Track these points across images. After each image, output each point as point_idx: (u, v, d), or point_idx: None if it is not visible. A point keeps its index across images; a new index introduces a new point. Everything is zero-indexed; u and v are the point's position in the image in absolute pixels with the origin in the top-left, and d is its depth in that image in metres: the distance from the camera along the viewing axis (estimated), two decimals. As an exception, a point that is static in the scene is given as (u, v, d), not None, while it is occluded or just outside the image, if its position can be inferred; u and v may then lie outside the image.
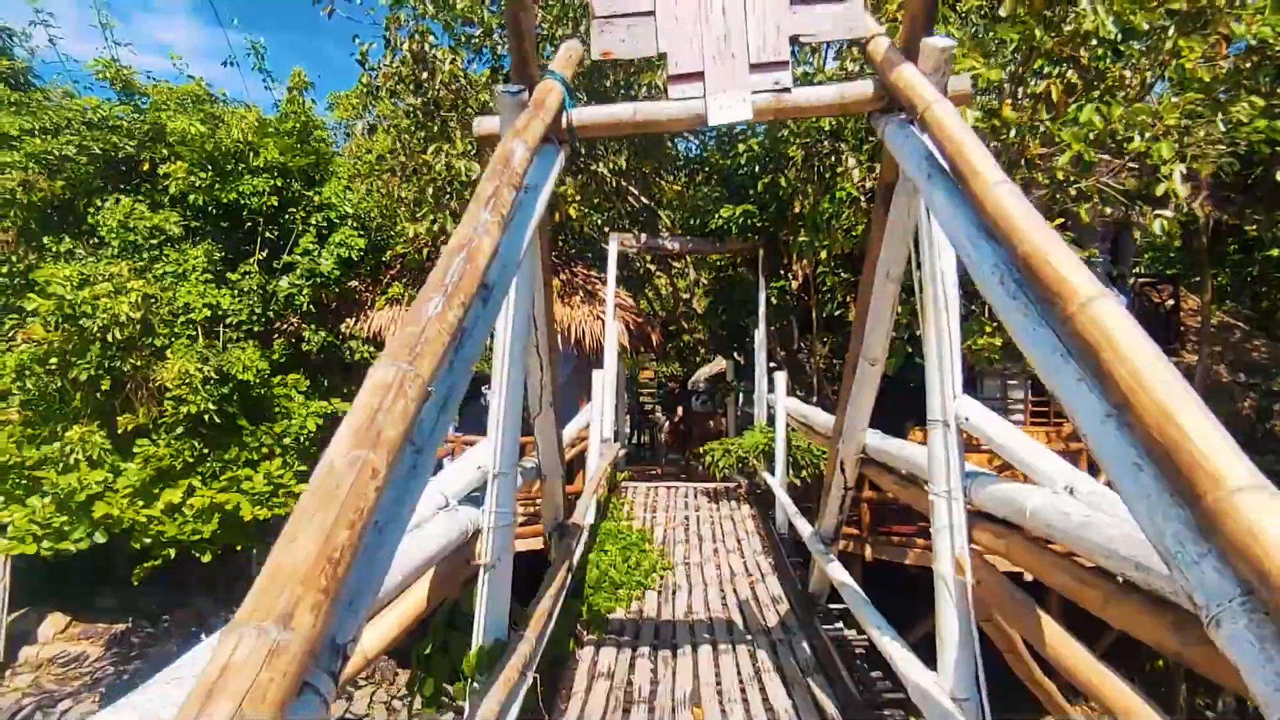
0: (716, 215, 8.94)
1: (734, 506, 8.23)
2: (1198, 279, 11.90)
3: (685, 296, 13.71)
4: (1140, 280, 13.35)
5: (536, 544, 5.77)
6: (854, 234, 7.91)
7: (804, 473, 7.72)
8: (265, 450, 8.68)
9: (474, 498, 3.11)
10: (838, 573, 4.24)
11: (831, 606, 4.98)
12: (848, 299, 12.93)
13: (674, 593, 5.75)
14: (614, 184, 10.43)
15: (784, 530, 7.40)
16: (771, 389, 8.58)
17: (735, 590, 5.76)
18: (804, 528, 5.09)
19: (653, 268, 13.60)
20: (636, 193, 10.77)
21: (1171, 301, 13.07)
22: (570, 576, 4.41)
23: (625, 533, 6.92)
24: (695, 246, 9.46)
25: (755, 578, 6.01)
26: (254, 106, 9.88)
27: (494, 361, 3.14)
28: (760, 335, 9.29)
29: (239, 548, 8.63)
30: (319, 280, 9.21)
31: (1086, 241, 8.57)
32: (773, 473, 7.69)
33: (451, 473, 3.19)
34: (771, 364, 10.16)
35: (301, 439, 8.80)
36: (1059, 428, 12.03)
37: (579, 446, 8.11)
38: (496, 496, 3.00)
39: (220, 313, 8.81)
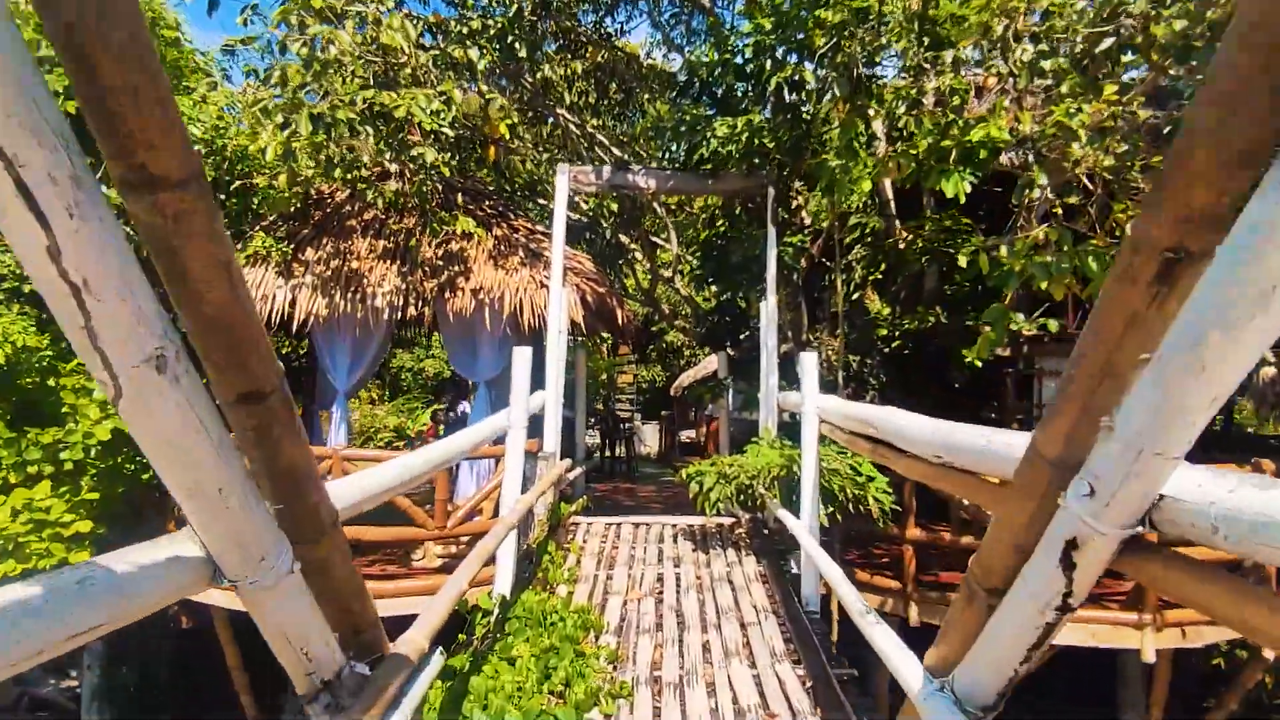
0: (708, 136, 6.21)
1: (732, 559, 5.47)
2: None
3: (666, 274, 10.96)
4: None
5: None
6: (908, 163, 5.25)
7: (835, 508, 4.99)
8: (34, 469, 5.79)
9: None
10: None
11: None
12: (876, 272, 10.27)
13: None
14: (565, 101, 7.68)
15: (813, 604, 4.64)
16: (791, 382, 5.86)
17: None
18: (897, 656, 2.30)
19: (626, 241, 10.84)
20: (593, 123, 8.03)
21: None
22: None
23: (555, 613, 4.13)
24: (678, 184, 6.75)
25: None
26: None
27: None
28: (769, 309, 6.54)
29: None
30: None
31: None
32: (795, 509, 4.96)
33: None
34: (785, 347, 7.44)
35: (92, 452, 5.92)
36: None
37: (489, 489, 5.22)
38: None
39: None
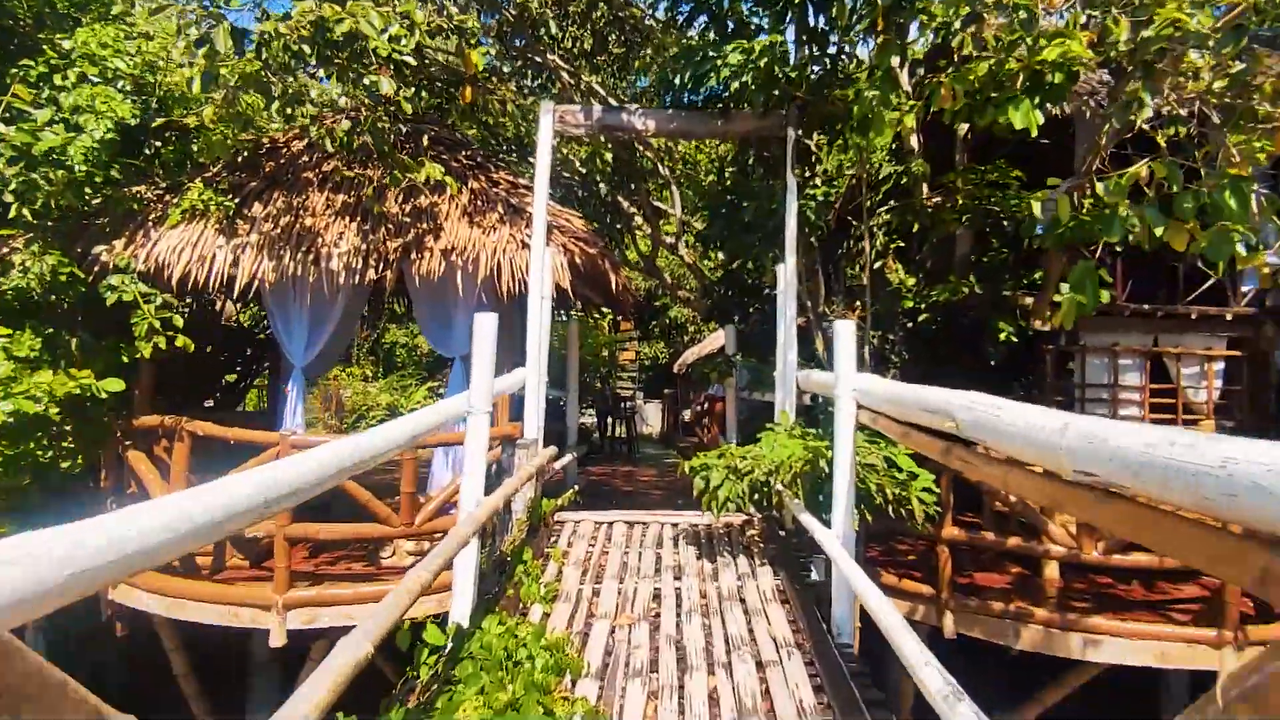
0: (717, 64, 5.17)
1: (744, 568, 4.57)
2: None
3: (669, 241, 9.95)
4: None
5: None
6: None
7: (868, 509, 4.07)
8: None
9: None
10: None
11: None
12: (897, 239, 9.24)
13: None
14: (557, 45, 6.65)
15: (845, 632, 3.74)
16: (814, 359, 4.96)
17: None
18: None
19: (625, 204, 9.81)
20: (590, 78, 6.99)
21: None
22: None
23: (523, 648, 3.25)
24: (682, 126, 5.74)
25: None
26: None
27: None
28: (788, 273, 5.57)
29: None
30: (57, 174, 5.41)
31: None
32: (819, 511, 4.05)
33: None
34: (799, 320, 6.48)
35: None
36: (1193, 423, 8.50)
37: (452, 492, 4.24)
38: None
39: None
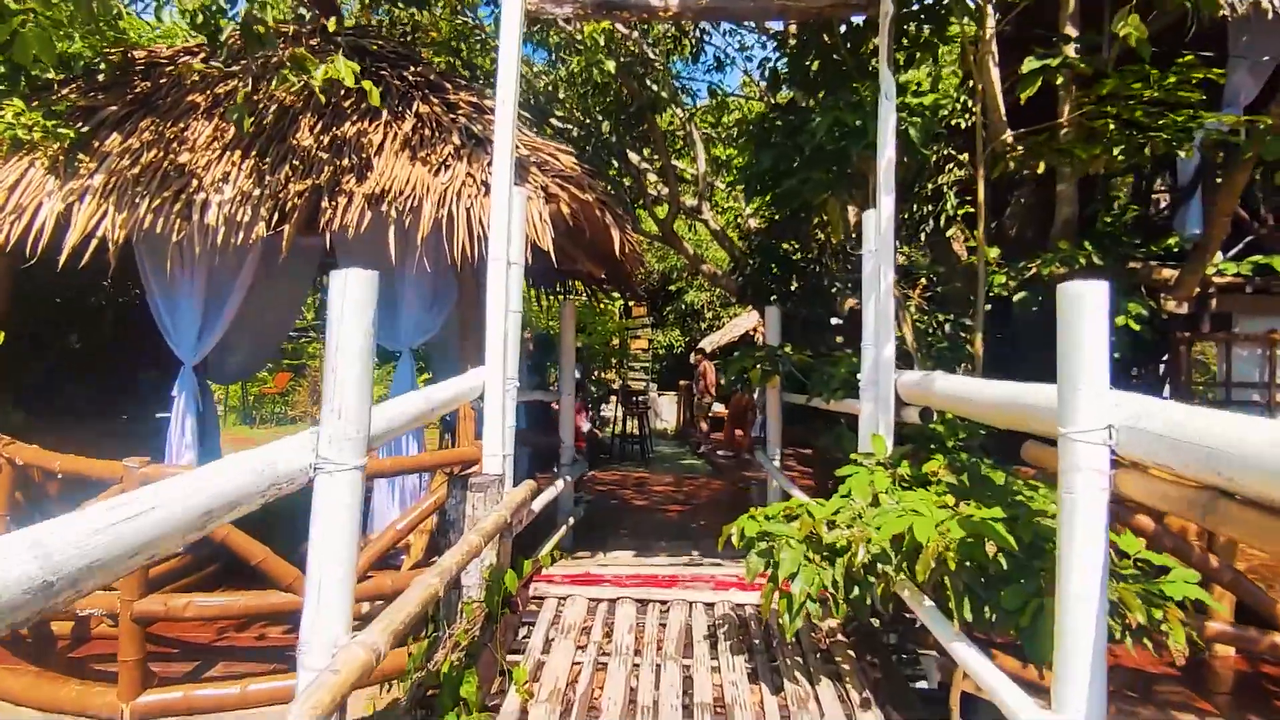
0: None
1: (830, 703, 2.71)
2: None
3: (690, 202, 7.94)
4: None
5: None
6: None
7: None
8: None
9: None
10: None
11: None
12: (967, 205, 7.21)
13: None
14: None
15: None
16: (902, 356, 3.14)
17: None
18: None
19: (636, 159, 7.83)
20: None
21: None
22: None
23: None
24: (718, 1, 3.77)
25: None
26: None
27: None
28: (882, 220, 3.60)
29: None
30: None
31: None
32: (972, 625, 2.16)
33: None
34: (850, 302, 4.55)
35: None
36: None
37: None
38: None
39: None
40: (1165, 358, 7.47)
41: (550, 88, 7.63)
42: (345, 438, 1.88)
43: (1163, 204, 8.71)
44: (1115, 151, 4.62)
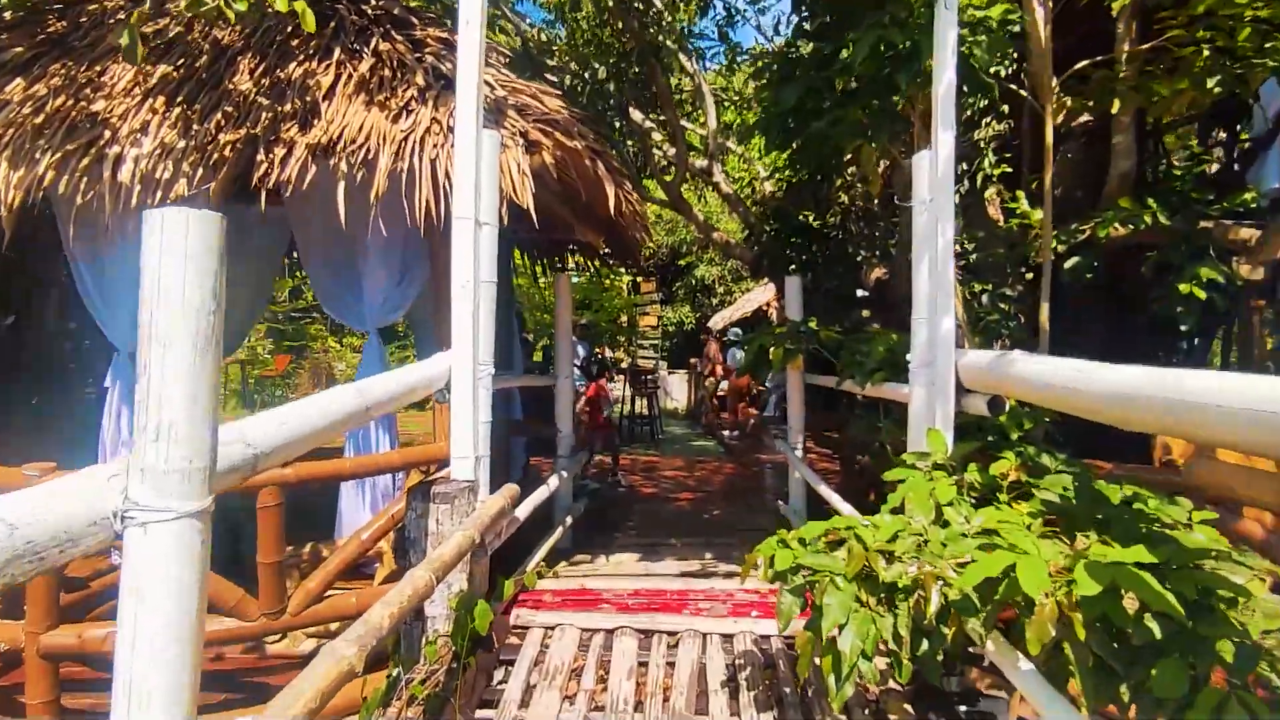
0: None
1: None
2: None
3: (700, 163, 7.17)
4: None
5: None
6: None
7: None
8: None
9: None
10: None
11: None
12: (1003, 164, 6.34)
13: None
14: None
15: None
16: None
17: None
18: None
19: (639, 118, 7.04)
20: None
21: None
22: None
23: None
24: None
25: None
26: None
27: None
28: (940, 162, 2.88)
29: None
30: None
31: None
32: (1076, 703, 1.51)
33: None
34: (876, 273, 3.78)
35: None
36: None
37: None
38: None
39: None
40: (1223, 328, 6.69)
41: (543, 38, 6.85)
42: (171, 469, 1.21)
43: (1222, 156, 7.88)
44: (1211, 83, 3.83)
